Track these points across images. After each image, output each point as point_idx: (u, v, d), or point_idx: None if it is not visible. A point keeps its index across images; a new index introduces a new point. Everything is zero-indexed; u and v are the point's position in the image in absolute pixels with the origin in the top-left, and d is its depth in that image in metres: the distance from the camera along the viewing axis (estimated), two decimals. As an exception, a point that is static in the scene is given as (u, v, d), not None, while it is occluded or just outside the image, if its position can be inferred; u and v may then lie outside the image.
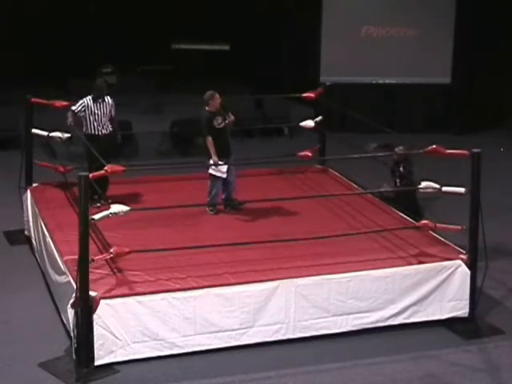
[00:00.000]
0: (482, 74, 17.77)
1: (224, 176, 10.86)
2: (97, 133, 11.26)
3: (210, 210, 11.03)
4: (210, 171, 10.88)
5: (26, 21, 18.99)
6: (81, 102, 11.29)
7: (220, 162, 10.73)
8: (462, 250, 9.80)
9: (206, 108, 10.86)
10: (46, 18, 19.04)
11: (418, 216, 11.09)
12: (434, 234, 10.26)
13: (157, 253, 9.31)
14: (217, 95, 10.85)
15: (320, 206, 11.25)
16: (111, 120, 11.40)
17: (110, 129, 11.38)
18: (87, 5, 19.76)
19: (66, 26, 19.09)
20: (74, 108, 11.31)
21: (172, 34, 19.77)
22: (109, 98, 11.40)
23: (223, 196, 11.15)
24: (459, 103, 18.22)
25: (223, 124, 10.91)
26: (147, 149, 15.91)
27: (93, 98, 11.27)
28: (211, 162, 10.76)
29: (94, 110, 11.22)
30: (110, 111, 11.35)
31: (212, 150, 10.76)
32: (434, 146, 10.01)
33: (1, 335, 9.25)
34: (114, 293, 8.65)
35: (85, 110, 11.23)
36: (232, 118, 10.97)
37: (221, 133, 10.87)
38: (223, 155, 10.86)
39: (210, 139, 10.79)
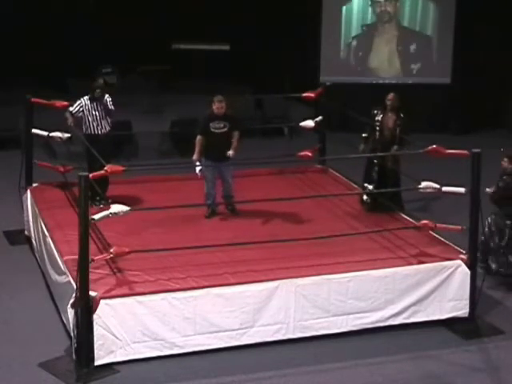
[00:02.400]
0: (481, 74, 17.76)
1: (198, 175, 10.84)
2: (96, 132, 11.28)
3: (206, 215, 11.00)
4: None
5: (26, 21, 18.97)
6: (78, 102, 11.31)
7: (197, 163, 10.73)
8: (462, 250, 9.80)
9: (213, 108, 10.88)
10: (45, 18, 19.03)
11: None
12: (434, 234, 10.26)
13: (157, 253, 9.31)
14: (218, 104, 10.75)
15: (320, 206, 11.25)
16: (109, 115, 11.40)
17: (109, 128, 11.39)
18: (87, 5, 19.73)
19: (66, 25, 19.08)
20: (71, 109, 11.34)
21: (172, 34, 19.76)
22: (106, 96, 11.40)
23: (210, 200, 11.09)
24: (459, 103, 18.21)
25: (223, 130, 10.85)
26: (147, 149, 15.91)
27: (90, 98, 11.28)
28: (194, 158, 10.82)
29: (92, 111, 11.23)
30: (109, 109, 11.36)
31: (196, 149, 10.80)
32: (434, 146, 10.02)
33: (1, 335, 9.25)
34: (114, 293, 8.65)
35: (83, 111, 11.25)
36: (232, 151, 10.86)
37: (216, 137, 10.82)
38: (212, 158, 10.85)
39: (198, 138, 10.84)
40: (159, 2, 19.61)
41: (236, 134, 10.93)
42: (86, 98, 11.30)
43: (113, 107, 11.43)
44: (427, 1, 18.16)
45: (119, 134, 13.86)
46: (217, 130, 10.83)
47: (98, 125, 11.28)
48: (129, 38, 18.97)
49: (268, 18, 18.92)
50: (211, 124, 10.82)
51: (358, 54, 18.34)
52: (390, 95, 11.59)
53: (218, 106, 10.78)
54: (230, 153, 10.86)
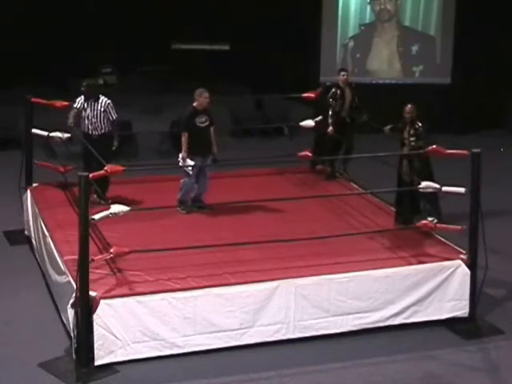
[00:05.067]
0: (482, 74, 17.76)
1: (190, 172, 10.84)
2: (89, 132, 11.25)
3: (181, 210, 10.99)
4: (181, 164, 10.89)
5: (26, 21, 18.98)
6: (78, 99, 11.32)
7: (188, 160, 10.71)
8: (462, 250, 9.80)
9: (194, 104, 10.89)
10: (46, 18, 19.03)
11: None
12: (434, 234, 10.26)
13: (157, 253, 9.31)
14: (205, 94, 10.84)
15: (320, 206, 11.25)
16: (111, 122, 11.36)
17: (106, 130, 11.34)
18: (87, 4, 19.74)
19: (66, 25, 19.07)
20: (75, 105, 11.32)
21: (172, 34, 19.76)
22: (105, 99, 11.36)
23: (192, 195, 11.13)
24: (459, 103, 18.21)
25: (206, 124, 10.90)
26: (147, 149, 15.91)
27: (85, 98, 11.27)
28: (179, 156, 10.79)
29: (87, 110, 11.21)
30: (105, 112, 11.30)
31: (184, 146, 10.78)
32: (434, 146, 10.03)
33: (1, 335, 9.25)
34: (113, 293, 8.65)
35: (78, 108, 11.24)
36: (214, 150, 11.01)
37: (201, 131, 10.86)
38: (200, 153, 10.86)
39: (185, 135, 10.80)
40: (159, 1, 19.60)
41: (212, 129, 11.01)
42: (82, 96, 11.31)
43: (115, 116, 11.36)
44: (428, 1, 18.12)
45: (119, 134, 13.87)
46: (202, 125, 10.87)
47: (90, 124, 11.25)
48: (129, 38, 18.98)
49: (268, 18, 18.91)
50: (197, 119, 10.85)
51: (356, 56, 18.25)
52: (408, 108, 11.12)
53: (206, 97, 10.79)
54: (215, 150, 10.96)
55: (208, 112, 10.94)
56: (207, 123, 10.91)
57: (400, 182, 11.20)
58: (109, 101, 11.37)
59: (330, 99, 12.54)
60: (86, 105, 11.25)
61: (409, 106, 11.18)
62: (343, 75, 12.63)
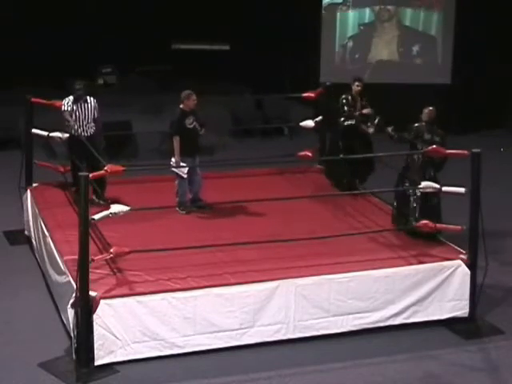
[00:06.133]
0: (482, 74, 17.76)
1: (185, 176, 10.87)
2: (77, 134, 11.20)
3: (181, 210, 11.00)
4: (173, 169, 10.90)
5: (26, 20, 18.98)
6: (64, 101, 11.24)
7: (182, 163, 10.74)
8: (462, 250, 9.80)
9: (181, 106, 10.91)
10: (46, 18, 19.02)
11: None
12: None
13: (157, 253, 9.31)
14: (193, 96, 10.88)
15: (320, 206, 11.25)
16: (95, 121, 11.34)
17: (93, 131, 11.30)
18: (87, 4, 19.73)
19: (66, 25, 19.07)
20: (63, 108, 11.23)
21: (172, 34, 19.76)
22: (92, 99, 11.32)
23: (190, 196, 11.14)
24: (459, 103, 18.20)
25: (193, 125, 10.93)
26: (147, 149, 15.90)
27: (74, 99, 11.22)
28: (172, 160, 10.79)
29: (76, 112, 11.16)
30: (93, 113, 11.27)
31: (176, 150, 10.79)
32: (434, 146, 10.03)
33: (1, 335, 9.26)
34: (113, 293, 8.66)
35: (67, 110, 11.20)
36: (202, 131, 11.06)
37: (191, 132, 10.89)
38: (191, 155, 10.90)
39: (177, 138, 10.81)
40: (159, 2, 19.61)
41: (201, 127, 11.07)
42: (71, 97, 11.25)
43: (97, 114, 11.31)
44: (427, 0, 18.09)
45: (119, 134, 13.88)
46: (190, 126, 10.91)
47: (79, 127, 11.20)
48: (129, 38, 18.98)
49: (268, 18, 18.90)
50: (186, 120, 10.89)
51: (355, 56, 18.23)
52: (428, 110, 10.73)
53: (194, 99, 10.83)
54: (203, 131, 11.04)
55: (195, 113, 10.98)
56: (194, 123, 10.96)
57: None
58: (95, 99, 11.36)
59: (340, 107, 11.99)
60: (74, 107, 11.19)
61: (430, 108, 10.71)
62: (357, 85, 12.08)
